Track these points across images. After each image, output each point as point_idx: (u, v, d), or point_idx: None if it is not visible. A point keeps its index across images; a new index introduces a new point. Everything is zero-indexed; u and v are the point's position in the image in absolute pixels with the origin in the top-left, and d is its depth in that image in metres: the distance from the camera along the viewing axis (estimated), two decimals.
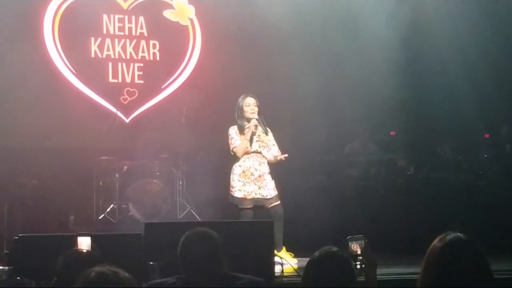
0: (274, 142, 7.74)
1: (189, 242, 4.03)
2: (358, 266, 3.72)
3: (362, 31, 9.96)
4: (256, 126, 7.54)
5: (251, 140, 7.54)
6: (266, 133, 7.69)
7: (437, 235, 3.07)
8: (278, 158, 7.57)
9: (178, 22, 10.62)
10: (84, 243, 4.45)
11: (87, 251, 4.06)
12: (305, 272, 3.51)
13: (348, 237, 3.85)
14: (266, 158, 7.62)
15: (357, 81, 9.77)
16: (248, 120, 7.56)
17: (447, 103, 10.38)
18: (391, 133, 11.05)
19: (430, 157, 10.39)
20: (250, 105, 7.59)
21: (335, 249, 3.51)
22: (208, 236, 4.05)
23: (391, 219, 9.09)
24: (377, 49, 9.91)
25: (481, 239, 3.03)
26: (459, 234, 2.97)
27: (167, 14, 10.59)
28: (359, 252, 3.80)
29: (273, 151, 7.69)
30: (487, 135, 10.51)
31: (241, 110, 7.61)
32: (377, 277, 3.80)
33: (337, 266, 3.41)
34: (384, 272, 5.54)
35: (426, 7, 10.45)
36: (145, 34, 10.51)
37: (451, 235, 2.95)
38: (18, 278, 4.03)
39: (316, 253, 3.49)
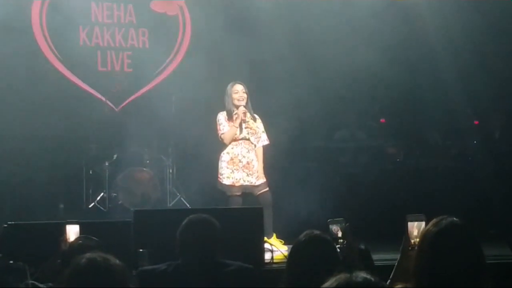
0: (263, 129, 7.74)
1: (191, 226, 4.07)
2: (338, 249, 3.76)
3: (352, 19, 9.96)
4: (244, 113, 7.53)
5: (240, 127, 7.54)
6: (254, 120, 7.68)
7: (426, 222, 3.07)
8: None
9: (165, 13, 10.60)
10: (72, 231, 4.44)
11: (96, 240, 4.08)
12: (289, 257, 3.54)
13: (328, 220, 3.88)
14: (254, 145, 7.63)
15: (347, 68, 9.76)
16: (236, 107, 7.55)
17: (436, 90, 10.40)
18: (381, 120, 11.07)
19: (420, 144, 10.42)
20: (238, 92, 7.58)
21: (317, 232, 3.54)
22: (209, 223, 4.09)
23: (381, 206, 9.11)
24: (367, 37, 9.92)
25: (470, 225, 3.02)
26: (454, 219, 2.96)
27: (154, 5, 10.54)
28: (339, 234, 3.85)
29: (263, 138, 7.70)
30: (476, 122, 10.55)
31: (229, 97, 7.61)
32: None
33: (321, 248, 3.45)
34: (374, 258, 5.56)
35: None
36: (134, 21, 10.46)
37: (446, 220, 2.94)
38: (11, 262, 4.03)
39: (301, 237, 3.52)
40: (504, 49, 10.33)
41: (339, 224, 3.87)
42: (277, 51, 10.07)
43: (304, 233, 3.53)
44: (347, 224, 3.85)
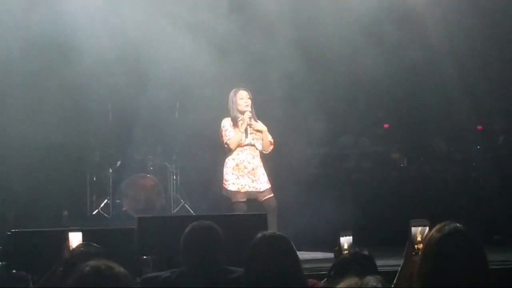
0: (265, 127, 7.67)
1: (194, 233, 4.06)
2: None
3: (353, 25, 9.95)
4: (250, 118, 7.54)
5: (245, 133, 7.54)
6: None
7: (430, 228, 3.07)
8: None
9: None
10: (75, 239, 4.43)
11: (98, 246, 4.08)
12: (247, 257, 3.57)
13: (340, 232, 4.00)
14: (259, 151, 7.63)
15: (350, 73, 9.75)
16: (242, 113, 7.55)
17: (439, 95, 10.38)
18: (384, 126, 11.06)
19: (423, 150, 10.41)
20: (243, 98, 7.59)
21: (272, 231, 3.69)
22: (213, 230, 4.09)
23: (384, 211, 9.11)
24: (370, 43, 9.90)
25: (473, 231, 3.02)
26: (457, 224, 2.95)
27: None
28: (345, 246, 4.03)
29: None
30: (479, 127, 10.53)
31: (234, 103, 7.61)
32: None
33: (276, 246, 3.49)
34: (378, 264, 5.55)
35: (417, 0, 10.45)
36: None
37: (450, 226, 2.93)
38: (14, 271, 4.03)
39: (257, 236, 3.57)
40: (508, 54, 10.32)
41: (347, 237, 4.10)
42: (281, 58, 10.06)
43: (260, 233, 3.59)
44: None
